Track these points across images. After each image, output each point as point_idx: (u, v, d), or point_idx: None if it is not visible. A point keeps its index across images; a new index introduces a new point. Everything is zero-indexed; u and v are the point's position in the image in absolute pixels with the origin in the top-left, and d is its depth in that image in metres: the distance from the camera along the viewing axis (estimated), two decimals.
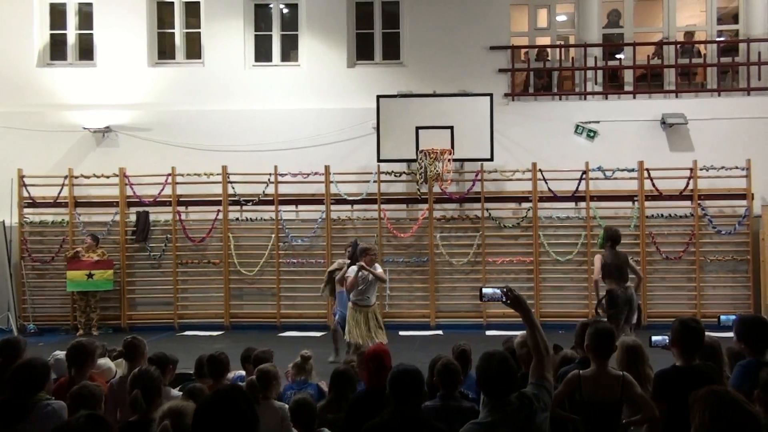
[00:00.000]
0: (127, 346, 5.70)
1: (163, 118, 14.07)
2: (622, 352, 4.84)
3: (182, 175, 13.65)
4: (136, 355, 5.62)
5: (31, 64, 14.42)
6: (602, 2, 14.43)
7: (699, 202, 13.15)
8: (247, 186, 13.62)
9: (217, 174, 13.61)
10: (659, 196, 13.15)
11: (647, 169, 13.09)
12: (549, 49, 14.64)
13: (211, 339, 12.47)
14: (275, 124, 13.86)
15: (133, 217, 13.83)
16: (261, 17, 14.77)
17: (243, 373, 6.40)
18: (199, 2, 14.56)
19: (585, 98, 14.06)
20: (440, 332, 12.73)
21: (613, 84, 14.34)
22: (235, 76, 14.24)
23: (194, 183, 13.68)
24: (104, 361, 6.22)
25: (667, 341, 4.61)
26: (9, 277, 13.64)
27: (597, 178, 13.27)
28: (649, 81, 14.25)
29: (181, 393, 5.15)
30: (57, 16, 14.76)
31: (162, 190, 13.70)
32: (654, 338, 4.89)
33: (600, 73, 14.17)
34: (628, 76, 14.23)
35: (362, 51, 14.52)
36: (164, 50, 14.79)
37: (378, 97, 13.08)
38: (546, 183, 13.23)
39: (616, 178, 13.21)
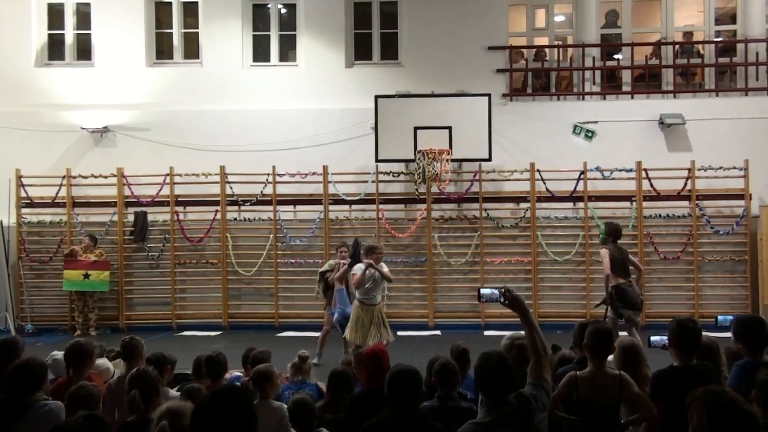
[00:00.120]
0: (125, 347, 5.70)
1: (161, 118, 14.06)
2: (619, 352, 4.85)
3: (180, 175, 13.64)
4: (134, 355, 5.62)
5: (29, 64, 14.41)
6: (600, 2, 14.44)
7: (697, 202, 13.16)
8: (245, 186, 13.62)
9: (215, 174, 13.60)
10: (657, 197, 13.16)
11: (645, 170, 13.10)
12: (547, 50, 14.66)
13: (209, 339, 12.46)
14: (273, 124, 13.86)
15: (131, 218, 13.81)
16: (259, 17, 14.77)
17: (239, 374, 6.40)
18: (197, 2, 14.56)
19: (583, 98, 14.07)
20: (438, 332, 12.73)
21: (611, 84, 14.35)
22: (234, 76, 14.23)
23: (192, 183, 13.67)
24: (102, 362, 6.22)
25: (666, 341, 4.62)
26: (7, 277, 13.64)
27: (595, 179, 13.28)
28: (647, 81, 14.26)
29: (179, 393, 5.15)
30: (55, 16, 14.75)
31: (160, 190, 13.69)
32: (653, 338, 4.90)
33: (598, 73, 14.17)
34: (626, 76, 14.24)
35: (360, 51, 14.52)
36: (162, 50, 14.79)
37: (376, 97, 13.08)
38: (544, 183, 13.23)
39: (614, 179, 13.21)
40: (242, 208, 13.77)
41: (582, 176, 13.21)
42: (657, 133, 13.57)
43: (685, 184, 13.12)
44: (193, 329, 13.32)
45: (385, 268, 9.12)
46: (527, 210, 13.38)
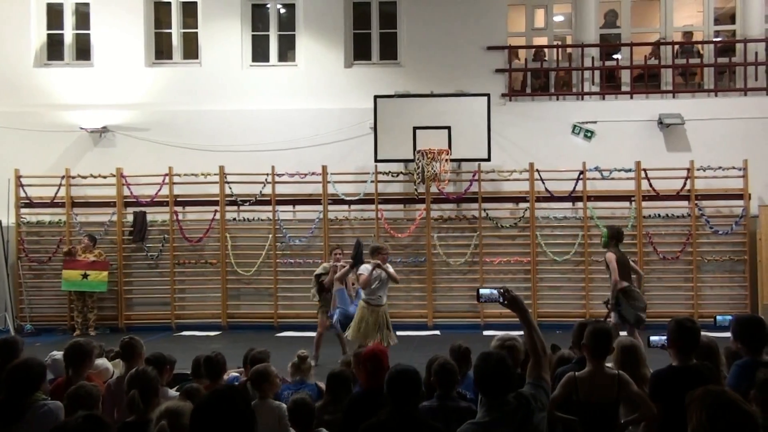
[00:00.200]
0: (124, 347, 5.70)
1: (161, 118, 14.06)
2: (618, 352, 4.84)
3: (179, 175, 13.64)
4: (134, 355, 5.62)
5: (28, 64, 14.41)
6: (599, 2, 14.45)
7: (696, 202, 13.16)
8: (244, 186, 13.61)
9: (215, 174, 13.60)
10: (656, 196, 13.16)
11: (644, 169, 13.10)
12: (546, 50, 14.67)
13: (209, 339, 12.46)
14: (272, 124, 13.86)
15: (130, 218, 13.80)
16: (258, 17, 14.77)
17: (236, 374, 6.40)
18: (196, 2, 14.55)
19: (582, 98, 14.07)
20: (438, 332, 12.74)
21: (610, 84, 14.35)
22: (233, 76, 14.23)
23: (191, 183, 13.67)
24: (102, 362, 6.22)
25: (665, 341, 4.62)
26: (6, 277, 13.63)
27: (594, 178, 13.28)
28: (646, 81, 14.26)
29: (178, 393, 5.15)
30: (54, 16, 14.75)
31: (159, 190, 13.69)
32: (652, 338, 4.90)
33: (597, 73, 14.18)
34: (625, 76, 14.25)
35: (359, 51, 14.53)
36: (161, 50, 14.78)
37: (375, 97, 13.08)
38: (543, 183, 13.23)
39: (613, 178, 13.21)
40: (241, 208, 13.76)
41: (581, 176, 13.21)
42: (656, 133, 13.57)
43: (684, 184, 13.12)
44: (192, 329, 13.32)
45: (391, 269, 9.11)
46: (526, 210, 13.38)
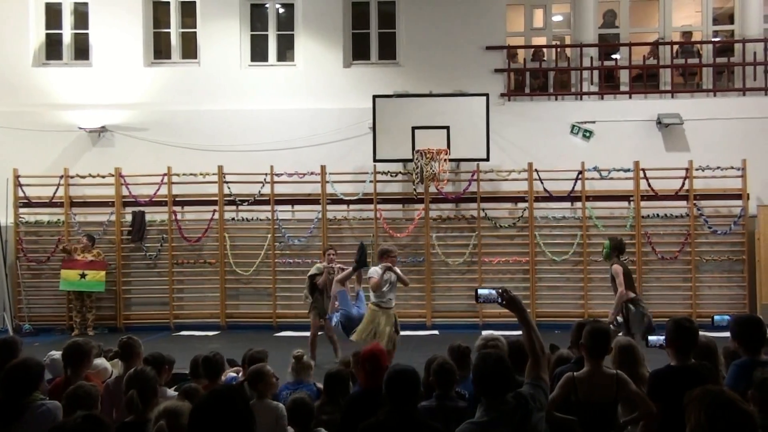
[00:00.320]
0: (123, 347, 5.70)
1: (159, 118, 14.05)
2: (616, 352, 4.85)
3: (178, 174, 13.64)
4: (132, 355, 5.62)
5: (27, 64, 14.39)
6: (598, 2, 14.46)
7: (695, 202, 13.16)
8: (243, 186, 13.61)
9: (213, 174, 13.59)
10: (655, 196, 13.17)
11: (643, 169, 13.11)
12: (545, 49, 14.68)
13: (207, 339, 12.45)
14: (271, 124, 13.85)
15: (128, 217, 13.80)
16: (257, 17, 14.76)
17: (234, 374, 6.39)
18: (195, 2, 14.54)
19: (581, 98, 14.08)
20: (436, 332, 12.74)
21: (608, 84, 14.36)
22: (231, 75, 14.22)
23: (190, 183, 13.66)
24: (100, 362, 6.22)
25: (663, 341, 4.62)
26: (5, 277, 13.63)
27: (593, 178, 13.29)
28: (645, 81, 14.26)
29: (177, 393, 5.15)
30: (53, 15, 14.74)
31: (158, 190, 13.69)
32: (650, 338, 4.91)
33: (596, 73, 14.18)
34: (624, 76, 14.26)
35: (358, 51, 14.52)
36: (160, 50, 14.78)
37: (374, 97, 13.08)
38: (542, 183, 13.23)
39: (612, 178, 13.22)
40: (240, 207, 13.76)
41: (580, 176, 13.21)
42: (655, 133, 13.58)
43: (683, 183, 13.13)
44: (191, 329, 13.31)
45: (399, 271, 9.09)
46: (525, 210, 13.38)
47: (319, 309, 10.08)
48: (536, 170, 13.21)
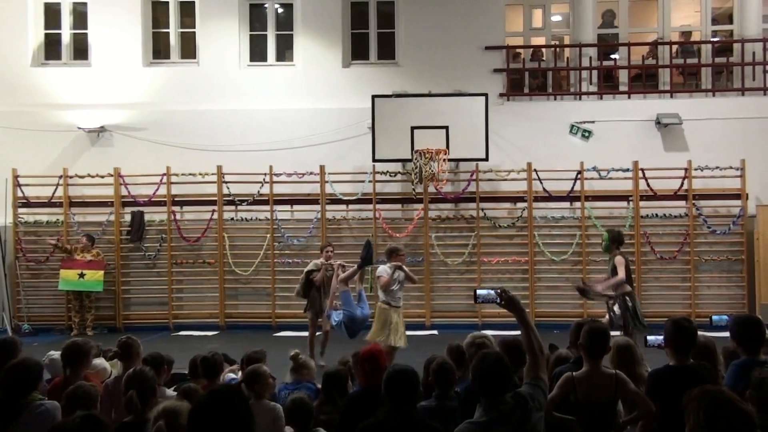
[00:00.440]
0: (122, 347, 5.70)
1: (158, 118, 14.04)
2: (615, 352, 4.85)
3: (177, 174, 13.63)
4: (131, 355, 5.62)
5: (26, 64, 14.38)
6: (597, 2, 14.46)
7: (694, 202, 13.17)
8: (242, 186, 13.61)
9: (212, 174, 13.59)
10: (654, 196, 13.18)
11: (642, 169, 13.12)
12: (544, 49, 14.68)
13: (206, 339, 12.45)
14: (270, 124, 13.85)
15: (127, 217, 13.80)
16: (256, 17, 14.75)
17: (234, 375, 6.39)
18: (194, 2, 14.54)
19: (580, 98, 14.09)
20: (435, 332, 12.73)
21: (607, 84, 14.37)
22: (230, 75, 14.22)
23: (189, 183, 13.66)
24: (99, 362, 6.22)
25: (662, 341, 4.62)
26: (4, 277, 13.62)
27: (592, 178, 13.29)
28: (644, 81, 14.27)
29: (175, 393, 5.14)
30: (51, 15, 14.72)
31: (157, 189, 13.68)
32: (649, 338, 4.91)
33: (595, 73, 14.19)
34: (623, 76, 14.27)
35: (357, 51, 14.52)
36: (159, 50, 14.77)
37: (373, 96, 13.08)
38: (541, 183, 13.23)
39: (611, 178, 13.22)
40: (239, 207, 13.75)
41: (579, 176, 13.22)
42: (654, 133, 13.58)
43: (682, 183, 13.14)
44: (190, 329, 13.31)
45: (407, 269, 9.09)
46: (524, 210, 13.38)
47: (316, 308, 10.05)
48: (535, 170, 13.21)
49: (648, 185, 13.14)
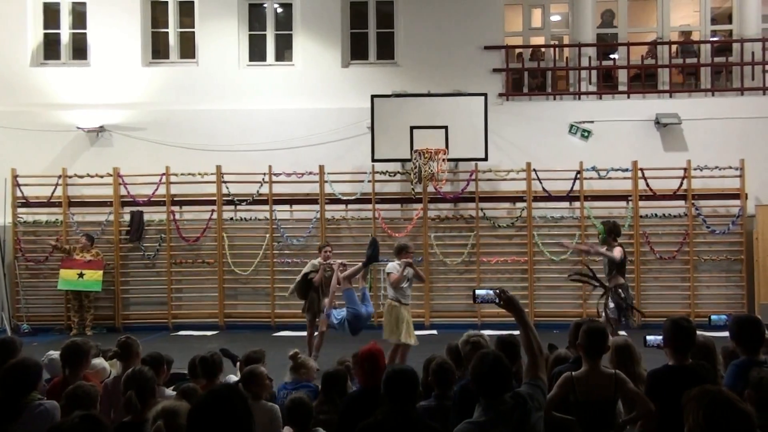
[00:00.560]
0: (121, 346, 5.70)
1: (157, 118, 14.03)
2: (613, 352, 4.85)
3: (176, 174, 13.63)
4: (130, 355, 5.62)
5: (25, 64, 14.37)
6: (596, 2, 14.45)
7: (693, 201, 13.18)
8: (241, 186, 13.60)
9: (212, 174, 13.58)
10: (653, 196, 13.19)
11: (641, 169, 13.12)
12: (543, 49, 14.67)
13: (206, 339, 12.45)
14: (269, 124, 13.84)
15: (127, 217, 13.80)
16: (255, 17, 14.75)
17: (232, 375, 6.38)
18: (193, 2, 14.53)
19: (579, 98, 14.09)
20: (435, 332, 12.70)
21: (607, 84, 14.38)
22: (230, 75, 14.21)
23: (188, 183, 13.66)
24: (98, 361, 6.21)
25: (661, 341, 4.62)
26: (3, 277, 13.61)
27: (591, 178, 13.30)
28: (643, 81, 14.27)
29: (175, 393, 5.14)
30: (50, 15, 14.71)
31: (156, 189, 13.67)
32: (648, 338, 4.90)
33: (594, 72, 14.20)
34: (622, 76, 14.27)
35: (356, 51, 14.52)
36: (158, 50, 14.76)
37: (372, 96, 13.07)
38: (540, 183, 13.24)
39: (610, 178, 13.23)
40: (238, 207, 13.75)
41: (578, 176, 13.22)
42: (653, 133, 13.58)
43: (681, 183, 13.15)
44: (189, 329, 13.31)
45: (416, 267, 9.11)
46: (523, 210, 13.39)
47: (315, 309, 10.01)
48: (534, 170, 13.21)
49: (647, 185, 13.15)
